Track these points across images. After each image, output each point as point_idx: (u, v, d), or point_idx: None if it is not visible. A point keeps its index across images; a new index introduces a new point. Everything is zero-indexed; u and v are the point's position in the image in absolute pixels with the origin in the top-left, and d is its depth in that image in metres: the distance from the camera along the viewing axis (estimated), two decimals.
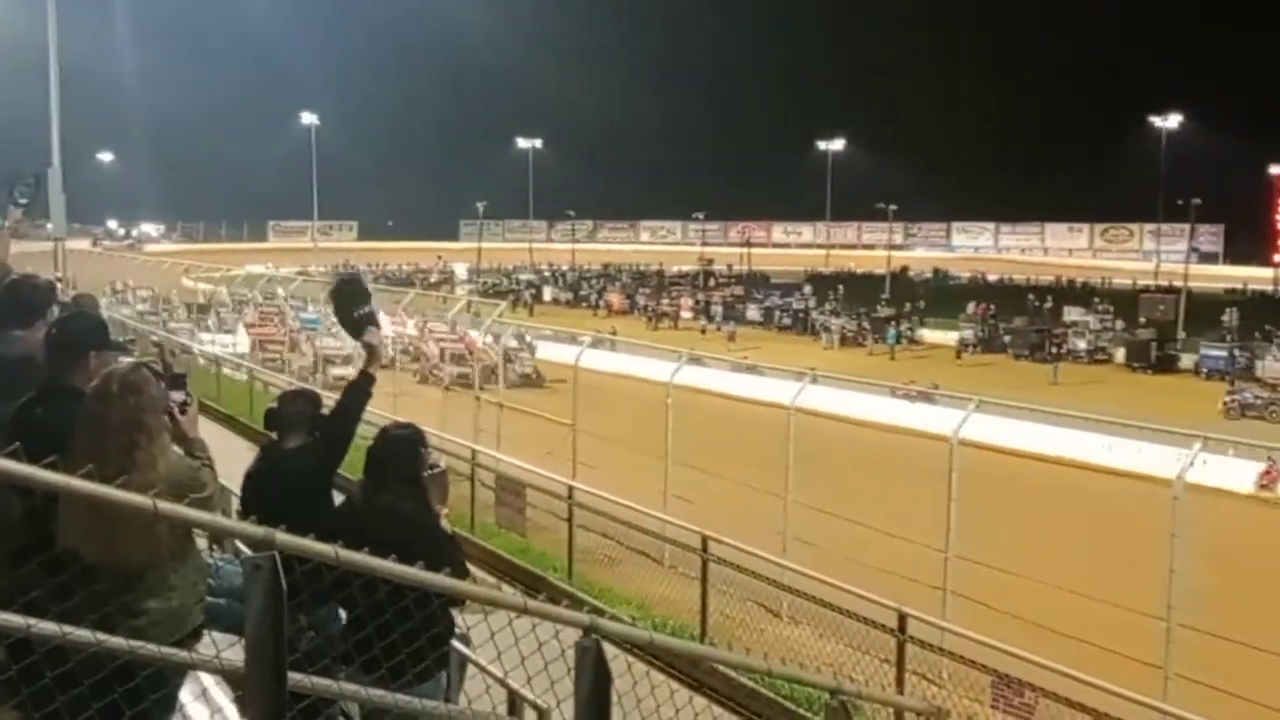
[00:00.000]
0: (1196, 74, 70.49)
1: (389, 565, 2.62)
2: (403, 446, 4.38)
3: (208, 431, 3.86)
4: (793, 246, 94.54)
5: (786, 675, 4.93)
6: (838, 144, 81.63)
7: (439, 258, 78.89)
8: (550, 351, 32.49)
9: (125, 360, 3.73)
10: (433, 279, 69.74)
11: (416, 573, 2.68)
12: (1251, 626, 11.69)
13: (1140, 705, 7.10)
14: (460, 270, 75.92)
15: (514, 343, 33.07)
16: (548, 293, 70.61)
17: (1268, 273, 66.92)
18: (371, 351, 4.92)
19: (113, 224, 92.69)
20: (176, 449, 3.38)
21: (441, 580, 2.76)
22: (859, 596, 8.02)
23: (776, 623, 10.70)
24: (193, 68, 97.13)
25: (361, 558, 2.57)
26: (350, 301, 5.04)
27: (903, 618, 7.31)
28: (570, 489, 12.27)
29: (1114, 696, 6.96)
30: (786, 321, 56.03)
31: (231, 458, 4.98)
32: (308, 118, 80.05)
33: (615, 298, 64.68)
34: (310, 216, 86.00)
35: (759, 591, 10.85)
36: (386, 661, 3.08)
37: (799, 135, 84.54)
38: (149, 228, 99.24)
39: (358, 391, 4.78)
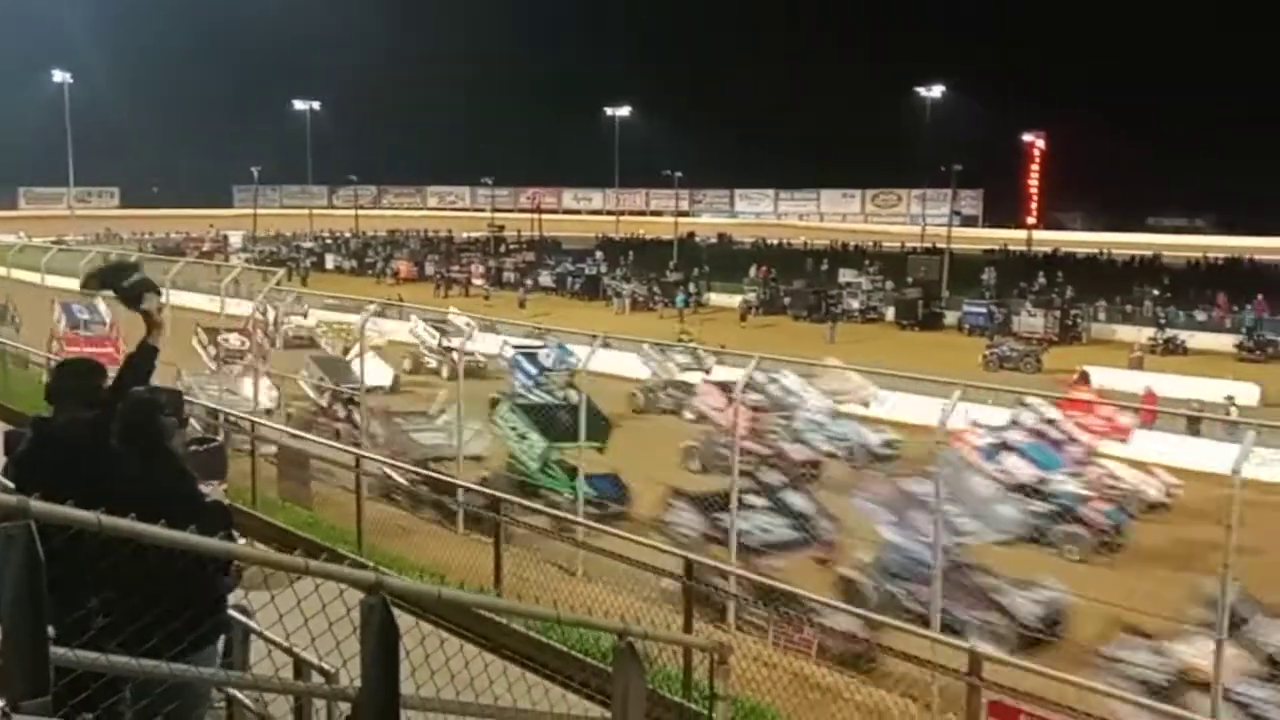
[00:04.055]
0: (958, 47, 74.83)
1: (157, 530, 2.51)
2: (143, 410, 4.13)
3: None
4: (583, 213, 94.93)
5: (575, 621, 5.03)
6: (624, 111, 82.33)
7: (211, 226, 74.95)
8: (328, 319, 31.89)
9: None
10: (205, 248, 66.23)
11: (186, 536, 2.58)
12: None
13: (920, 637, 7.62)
14: (235, 238, 72.36)
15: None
16: (330, 261, 68.30)
17: (1023, 234, 72.21)
18: (150, 320, 4.69)
19: None
20: None
21: (215, 544, 2.67)
22: (651, 548, 8.24)
23: (572, 582, 10.86)
24: None
25: (127, 523, 2.45)
26: (120, 274, 4.82)
27: (689, 564, 7.56)
28: (358, 459, 12.01)
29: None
30: (578, 287, 56.38)
31: None
32: (60, 75, 74.08)
33: (403, 265, 63.27)
34: (66, 182, 79.87)
35: (557, 554, 10.98)
36: (156, 631, 2.95)
37: (587, 102, 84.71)
38: None
39: (137, 363, 4.56)
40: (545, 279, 58.09)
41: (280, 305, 32.33)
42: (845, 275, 54.54)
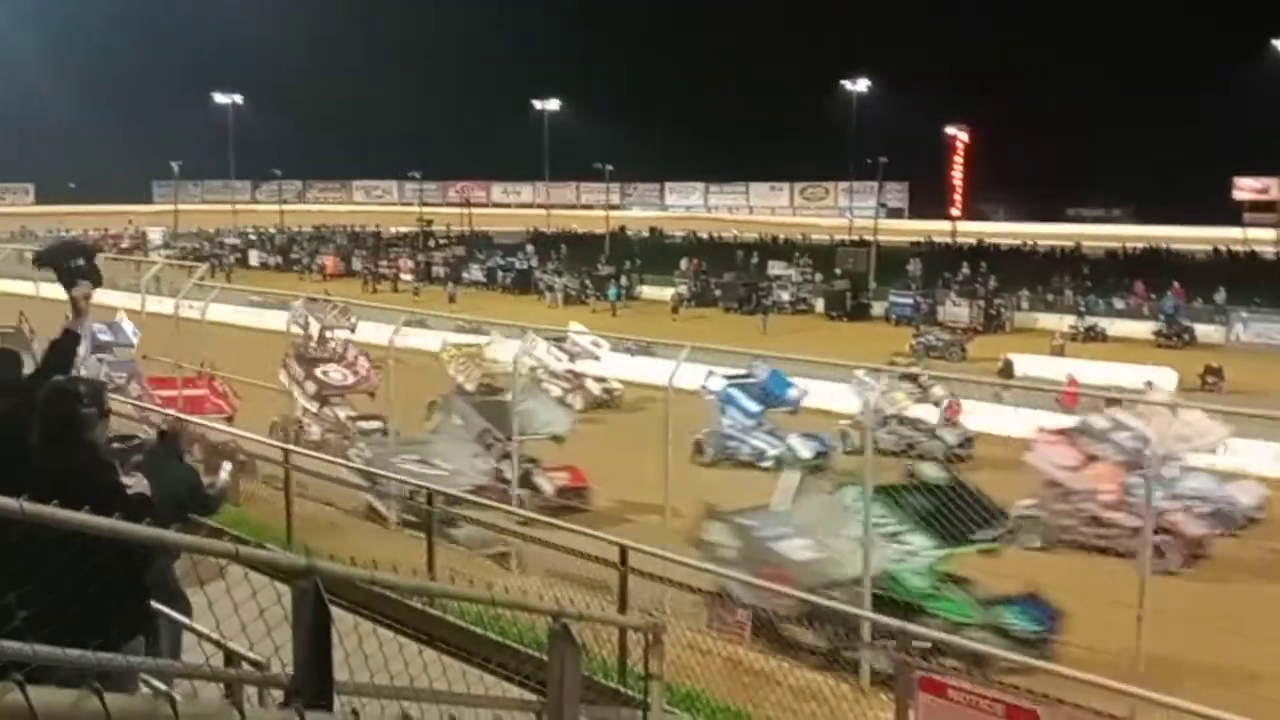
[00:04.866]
0: (884, 41, 75.77)
1: (83, 517, 2.45)
2: (62, 401, 4.00)
3: None
4: (513, 207, 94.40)
5: (509, 603, 5.03)
6: (553, 104, 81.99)
7: (130, 222, 73.07)
8: (249, 318, 30.95)
9: None
10: (124, 245, 64.56)
11: (114, 523, 2.53)
12: None
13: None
14: (155, 235, 70.58)
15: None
16: (254, 257, 67.05)
17: (949, 225, 73.37)
18: (76, 306, 4.66)
19: None
20: None
21: (143, 530, 2.61)
22: (586, 535, 8.25)
23: (507, 575, 10.84)
24: None
25: (50, 510, 2.39)
26: (68, 253, 4.76)
27: (624, 550, 7.59)
28: (286, 454, 11.84)
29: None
30: (509, 281, 56.07)
31: None
32: None
33: (329, 261, 62.36)
34: None
35: (492, 545, 10.96)
36: (78, 624, 2.89)
37: (515, 95, 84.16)
38: None
39: (58, 350, 4.47)
40: (476, 273, 57.69)
41: (321, 317, 30.53)
42: (775, 268, 54.96)
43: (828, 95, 68.30)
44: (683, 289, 51.14)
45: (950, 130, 75.50)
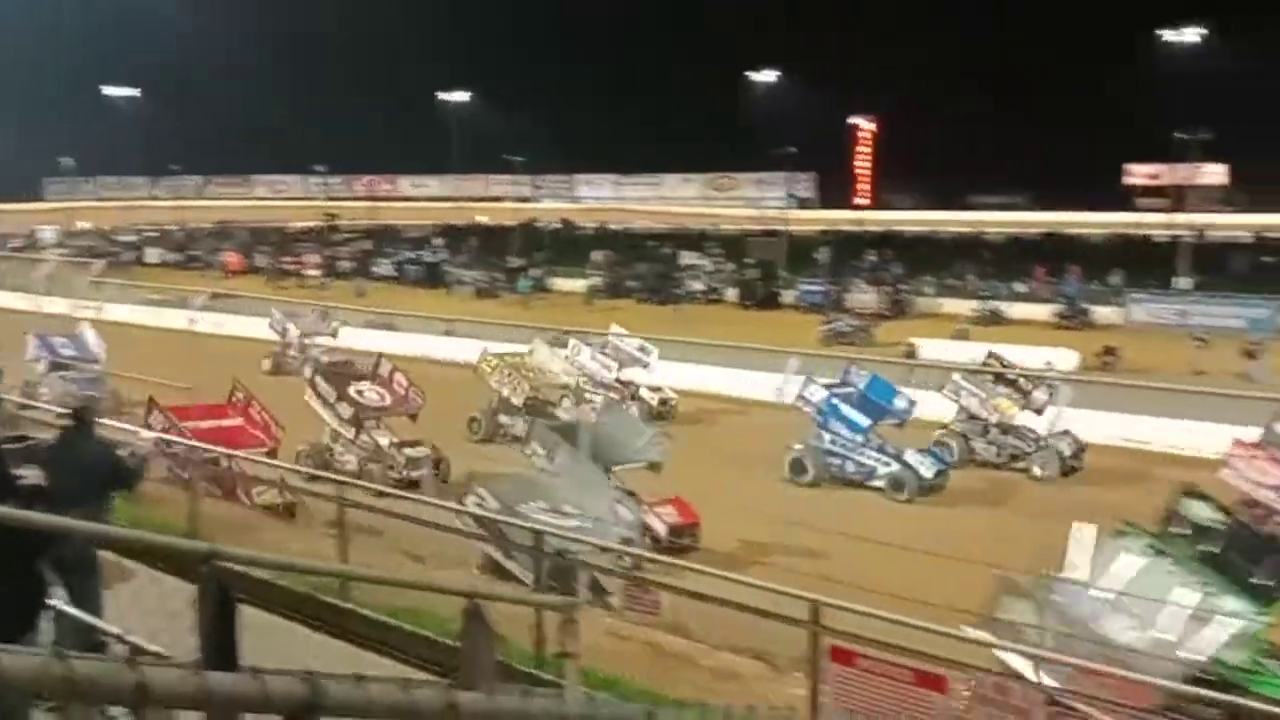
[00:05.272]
0: (792, 32, 76.61)
1: None
2: None
3: None
4: (420, 200, 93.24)
5: (421, 585, 4.98)
6: (460, 96, 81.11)
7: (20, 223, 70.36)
8: (146, 316, 30.09)
9: None
10: (13, 243, 62.16)
11: (10, 511, 2.44)
12: None
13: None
14: (48, 234, 68.03)
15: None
16: (153, 254, 65.12)
17: (856, 214, 74.59)
18: None
19: None
20: None
21: (31, 515, 2.53)
22: (508, 524, 8.19)
23: (420, 568, 10.72)
24: None
25: None
26: None
27: (538, 534, 7.58)
28: (192, 449, 11.55)
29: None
30: (419, 275, 55.44)
31: None
32: None
33: (232, 257, 60.90)
34: None
35: (403, 538, 10.82)
36: None
37: (421, 87, 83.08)
38: None
39: None
40: (385, 268, 56.93)
41: (299, 322, 28.56)
42: (687, 258, 55.29)
43: (737, 87, 68.82)
44: (596, 280, 51.15)
45: (855, 120, 76.78)
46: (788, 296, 47.62)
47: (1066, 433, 19.82)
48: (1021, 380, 20.74)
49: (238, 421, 15.25)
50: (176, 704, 1.41)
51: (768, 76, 66.28)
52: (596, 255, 55.53)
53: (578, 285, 51.17)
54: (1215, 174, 62.07)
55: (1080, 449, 19.52)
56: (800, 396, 19.01)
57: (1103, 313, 41.15)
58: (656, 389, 23.81)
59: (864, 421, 18.48)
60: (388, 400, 16.51)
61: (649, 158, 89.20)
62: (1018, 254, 54.32)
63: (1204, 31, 51.82)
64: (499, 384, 20.63)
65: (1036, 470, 19.20)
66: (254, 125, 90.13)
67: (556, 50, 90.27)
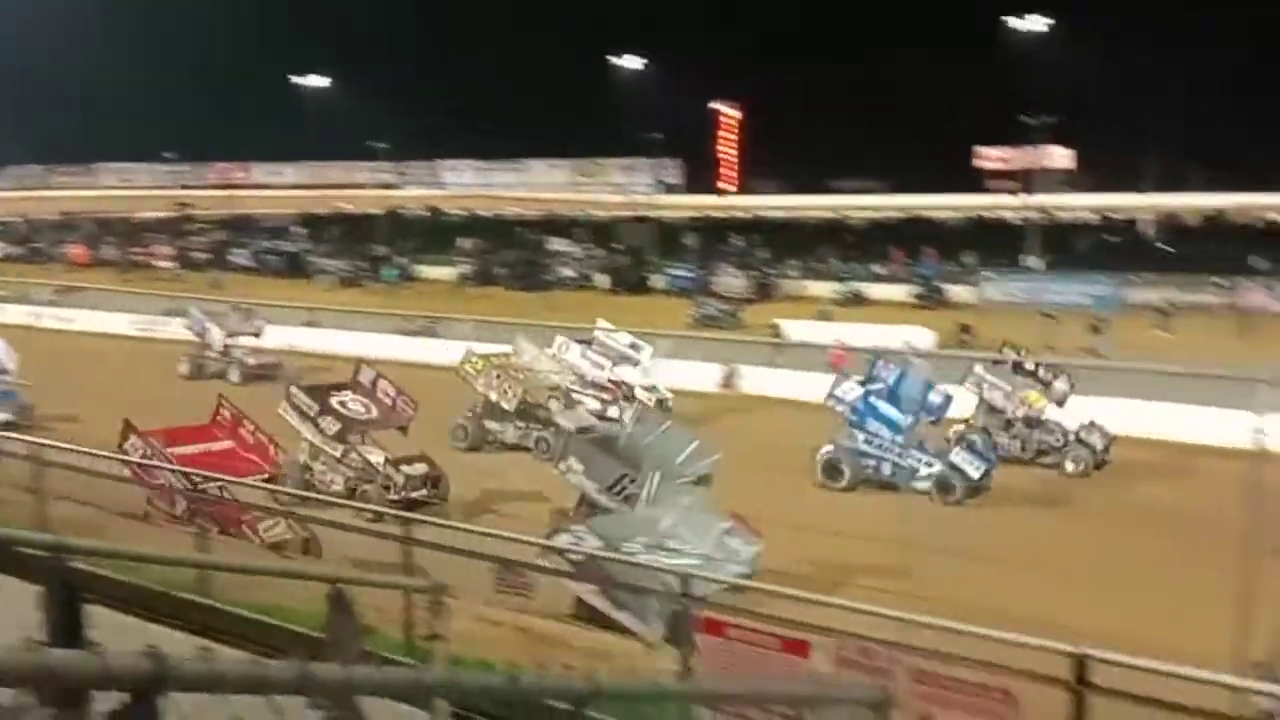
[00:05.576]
0: (656, 18, 77.06)
1: None
2: None
3: None
4: (277, 188, 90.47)
5: (285, 572, 4.88)
6: (319, 81, 78.97)
7: None
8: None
9: None
10: None
11: None
12: None
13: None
14: None
15: None
16: None
17: (725, 200, 75.48)
18: None
19: None
20: None
21: None
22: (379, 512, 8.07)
23: (289, 560, 10.48)
24: None
25: None
26: None
27: (407, 522, 7.52)
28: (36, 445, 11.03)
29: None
30: (279, 265, 53.93)
31: None
32: None
33: (78, 250, 58.27)
34: None
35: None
36: None
37: (275, 72, 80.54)
38: None
39: None
40: (242, 258, 55.19)
41: (223, 323, 26.42)
42: (556, 244, 55.20)
43: (603, 72, 68.85)
44: (465, 268, 50.63)
45: (717, 106, 77.66)
46: (658, 282, 48.03)
47: (1093, 425, 18.66)
48: (1042, 371, 19.58)
49: (228, 444, 13.98)
50: (11, 682, 1.35)
51: (632, 63, 66.46)
52: (464, 242, 54.95)
53: (446, 273, 50.56)
54: (1062, 157, 64.96)
55: (1109, 442, 18.53)
56: (832, 395, 17.73)
57: (957, 292, 42.65)
58: (652, 388, 21.84)
59: (905, 420, 17.21)
60: (374, 413, 14.96)
61: (514, 144, 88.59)
62: (878, 237, 55.88)
63: (1050, 21, 54.06)
64: (486, 387, 19.06)
65: (1069, 466, 18.27)
66: (96, 111, 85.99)
67: (416, 35, 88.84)
